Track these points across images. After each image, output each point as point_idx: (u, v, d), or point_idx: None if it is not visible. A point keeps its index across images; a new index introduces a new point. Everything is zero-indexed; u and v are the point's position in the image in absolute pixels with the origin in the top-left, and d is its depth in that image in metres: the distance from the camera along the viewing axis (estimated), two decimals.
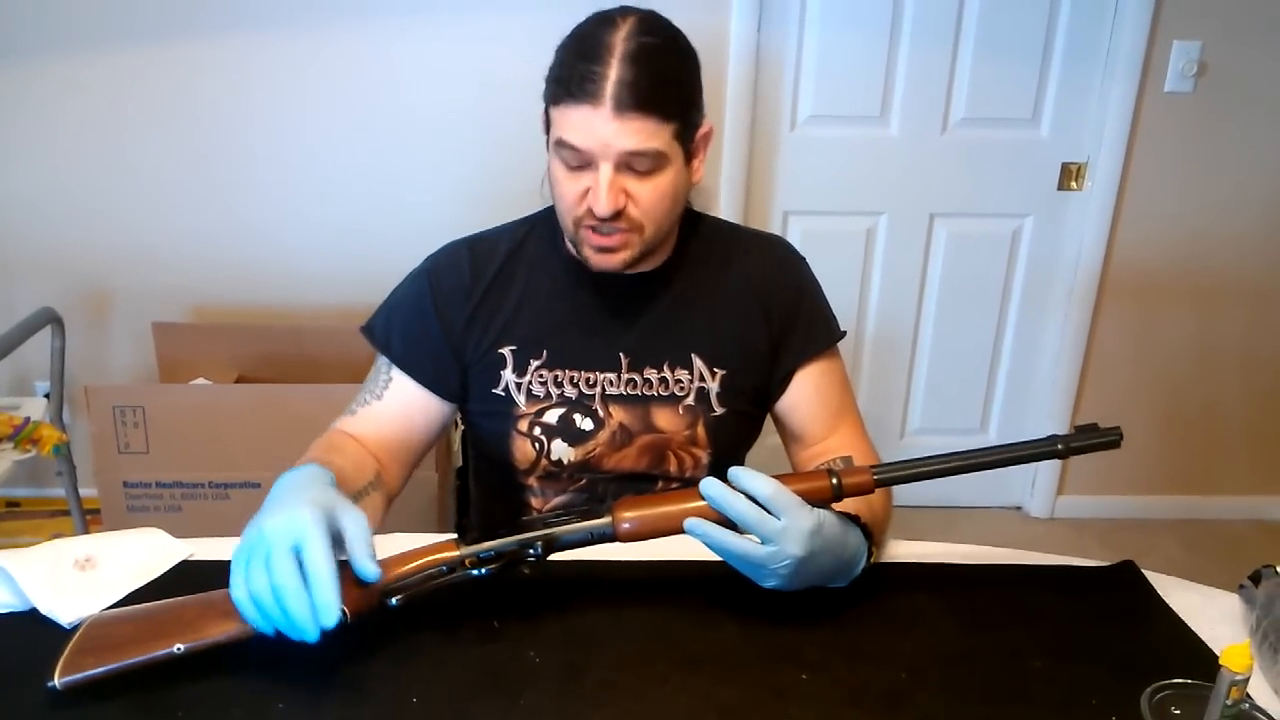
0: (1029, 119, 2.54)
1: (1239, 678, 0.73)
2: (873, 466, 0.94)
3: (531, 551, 0.91)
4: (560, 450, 1.18)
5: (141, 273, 2.49)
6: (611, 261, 1.09)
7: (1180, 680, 0.81)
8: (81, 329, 2.48)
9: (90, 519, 2.26)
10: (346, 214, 2.50)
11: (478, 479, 1.39)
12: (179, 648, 0.83)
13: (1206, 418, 2.83)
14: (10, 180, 2.41)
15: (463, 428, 1.61)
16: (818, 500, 0.91)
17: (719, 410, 1.18)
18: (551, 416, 1.17)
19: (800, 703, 0.84)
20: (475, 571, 0.90)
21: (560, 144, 1.05)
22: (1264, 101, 2.51)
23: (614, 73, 1.01)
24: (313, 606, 0.79)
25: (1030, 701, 0.85)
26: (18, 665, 0.85)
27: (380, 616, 0.88)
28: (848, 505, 0.96)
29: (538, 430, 1.18)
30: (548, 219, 1.20)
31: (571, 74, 1.03)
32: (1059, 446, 0.94)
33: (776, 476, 0.91)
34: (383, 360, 1.20)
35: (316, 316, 2.53)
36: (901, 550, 1.09)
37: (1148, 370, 2.76)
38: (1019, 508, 2.94)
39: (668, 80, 1.04)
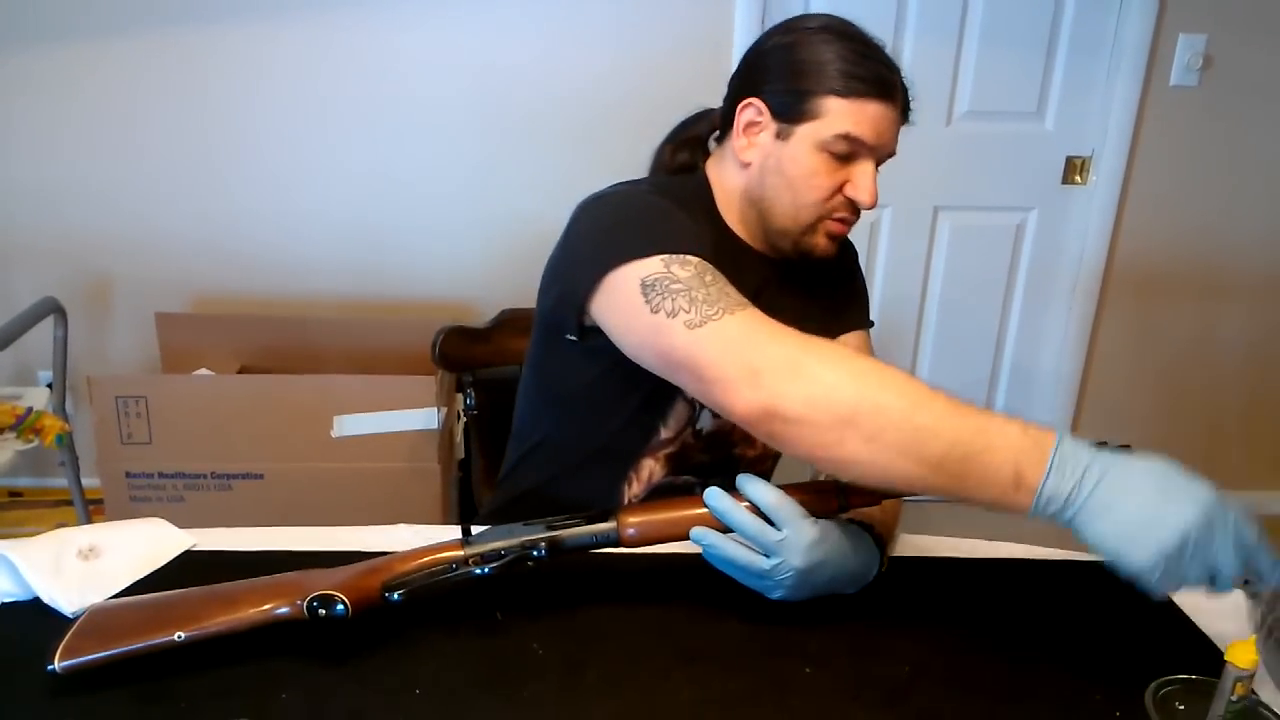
0: (1034, 112, 2.53)
1: (1244, 673, 0.73)
2: None
3: (536, 553, 0.90)
4: (705, 419, 1.16)
5: (144, 262, 2.49)
6: (834, 249, 1.15)
7: (1185, 676, 0.81)
8: (84, 319, 2.48)
9: (93, 509, 2.26)
10: (350, 204, 2.49)
11: (538, 466, 1.25)
12: (180, 636, 0.83)
13: (1209, 412, 2.82)
14: (13, 169, 2.41)
15: (465, 420, 1.62)
16: (823, 512, 0.91)
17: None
18: None
19: (802, 696, 0.84)
20: (479, 570, 0.90)
21: (844, 137, 1.06)
22: (1270, 95, 2.51)
23: (899, 76, 1.08)
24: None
25: (1033, 696, 0.85)
26: (20, 654, 0.85)
27: (382, 610, 0.88)
28: (861, 510, 0.96)
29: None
30: (691, 191, 1.15)
31: (875, 71, 1.06)
32: None
33: (783, 486, 0.91)
34: (703, 262, 0.99)
35: (320, 307, 2.52)
36: (904, 545, 1.09)
37: (1150, 364, 2.76)
38: None
39: None
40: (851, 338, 1.29)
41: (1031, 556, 1.08)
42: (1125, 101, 2.48)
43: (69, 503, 2.29)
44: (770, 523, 0.89)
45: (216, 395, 2.02)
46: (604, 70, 2.39)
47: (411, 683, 0.84)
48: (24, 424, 2.01)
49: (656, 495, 1.19)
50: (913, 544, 1.09)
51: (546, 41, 2.39)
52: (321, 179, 2.47)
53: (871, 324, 1.32)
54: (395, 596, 0.88)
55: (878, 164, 1.10)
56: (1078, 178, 2.59)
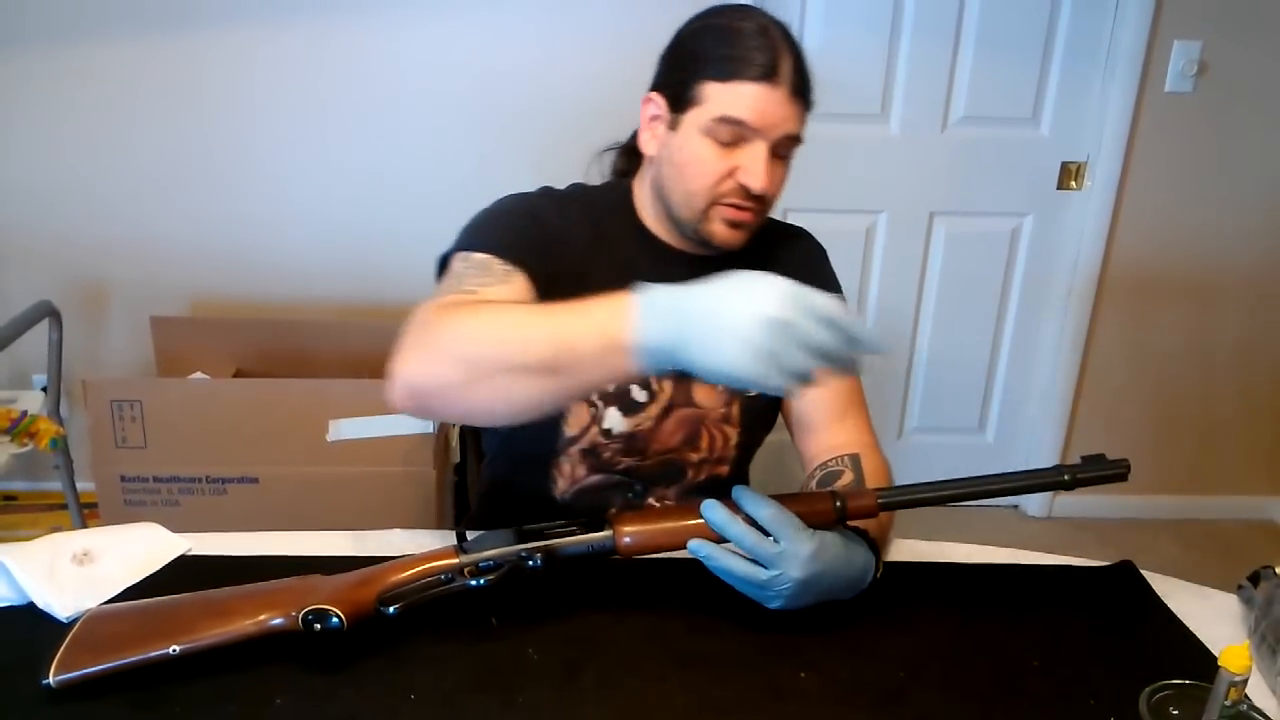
0: (1029, 118, 2.54)
1: (1237, 678, 0.73)
2: (877, 490, 0.94)
3: (531, 563, 0.90)
4: (612, 419, 1.17)
5: (140, 266, 2.49)
6: (737, 237, 1.12)
7: (1179, 681, 0.81)
8: (79, 322, 2.47)
9: (87, 513, 2.26)
10: (345, 207, 2.49)
11: (491, 470, 1.35)
12: (174, 649, 0.83)
13: (1204, 418, 2.83)
14: (9, 172, 2.40)
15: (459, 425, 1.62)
16: (820, 523, 0.91)
17: (753, 391, 1.19)
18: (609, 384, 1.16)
19: (798, 701, 0.84)
20: (473, 582, 0.90)
21: (723, 120, 1.05)
22: (1264, 102, 2.51)
23: (787, 57, 1.05)
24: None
25: (1028, 701, 0.85)
26: (14, 659, 0.85)
27: (377, 620, 0.88)
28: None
29: (594, 396, 1.16)
30: (609, 195, 1.20)
31: (751, 52, 1.04)
32: (1064, 477, 0.92)
33: (780, 496, 0.91)
34: (479, 257, 1.06)
35: (315, 310, 2.52)
36: (900, 550, 1.09)
37: (1146, 370, 2.76)
38: (1016, 506, 2.94)
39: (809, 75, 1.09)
40: None
41: (1025, 562, 1.08)
42: (1120, 107, 2.48)
43: (63, 506, 2.28)
44: (767, 534, 0.89)
45: (211, 399, 2.02)
46: (600, 72, 2.39)
47: (406, 688, 0.84)
48: (18, 427, 2.01)
49: (588, 495, 1.21)
50: (908, 549, 1.09)
51: (543, 43, 2.39)
52: (317, 183, 2.47)
53: None
54: (391, 610, 0.88)
55: (776, 150, 1.08)
56: (1073, 183, 2.60)
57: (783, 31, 1.07)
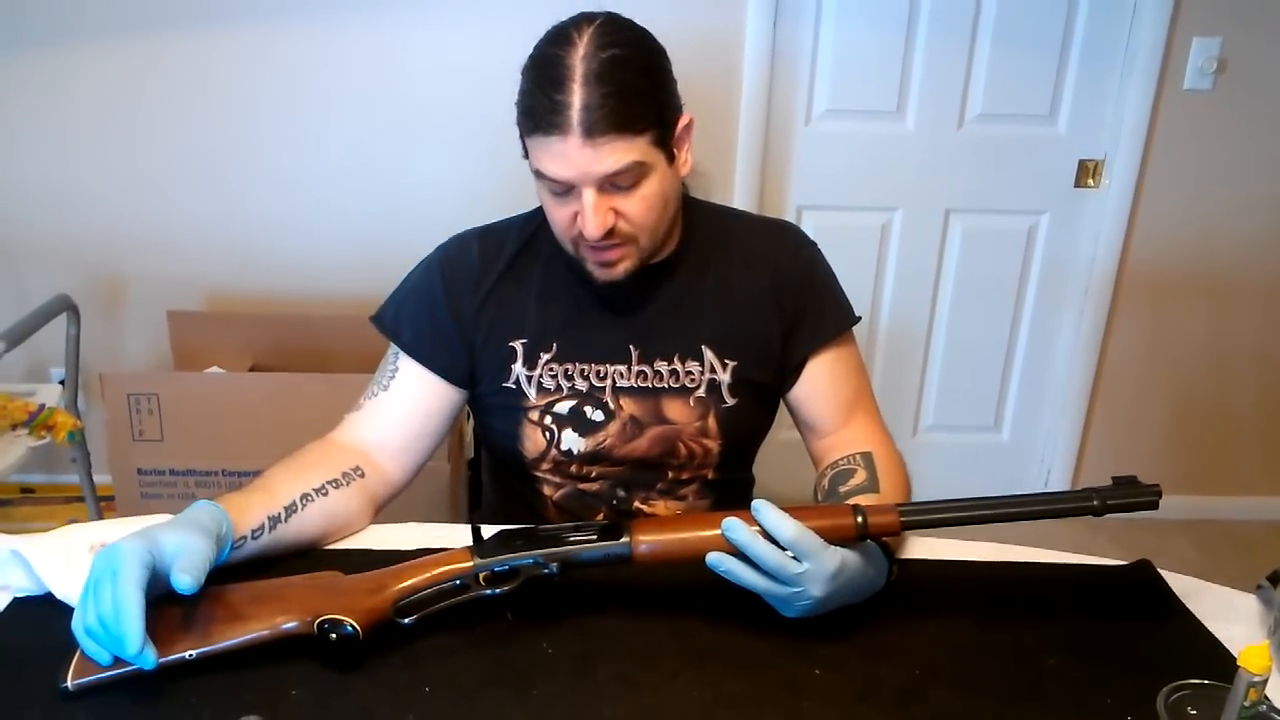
0: (1046, 115, 2.52)
1: (1257, 679, 0.72)
2: (899, 506, 0.92)
3: (547, 571, 0.90)
4: (570, 440, 1.18)
5: (157, 261, 2.50)
6: (614, 274, 1.10)
7: (1197, 681, 0.81)
8: (97, 317, 2.49)
9: (104, 506, 2.27)
10: (361, 203, 2.50)
11: (489, 470, 1.39)
12: (190, 654, 0.83)
13: (1221, 417, 2.81)
14: (27, 168, 2.42)
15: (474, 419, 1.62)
16: (842, 540, 0.89)
17: (730, 401, 1.18)
18: (562, 408, 1.17)
19: (813, 697, 0.84)
20: (489, 591, 0.90)
21: (539, 174, 1.05)
22: None
23: (578, 99, 0.98)
24: (114, 638, 0.78)
25: (1044, 700, 0.85)
26: (33, 648, 0.85)
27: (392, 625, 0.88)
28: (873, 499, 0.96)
29: (549, 420, 1.18)
30: (527, 223, 1.21)
31: (538, 105, 1.00)
32: (1094, 502, 0.90)
33: (799, 509, 0.89)
34: (392, 350, 1.20)
35: (330, 306, 2.53)
36: (916, 547, 1.08)
37: (1162, 369, 2.75)
38: None
39: (636, 91, 1.00)
40: (819, 363, 1.21)
41: (1043, 560, 1.07)
42: (1138, 105, 2.47)
43: (80, 499, 2.30)
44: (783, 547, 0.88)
45: (228, 393, 2.03)
46: None
47: (421, 681, 0.84)
48: (36, 420, 2.02)
49: (574, 501, 1.22)
50: (924, 546, 1.08)
51: None
52: (332, 178, 2.48)
53: (858, 319, 1.24)
54: (406, 622, 0.88)
55: (614, 183, 1.02)
56: (1090, 181, 2.58)
57: (586, 60, 0.98)
